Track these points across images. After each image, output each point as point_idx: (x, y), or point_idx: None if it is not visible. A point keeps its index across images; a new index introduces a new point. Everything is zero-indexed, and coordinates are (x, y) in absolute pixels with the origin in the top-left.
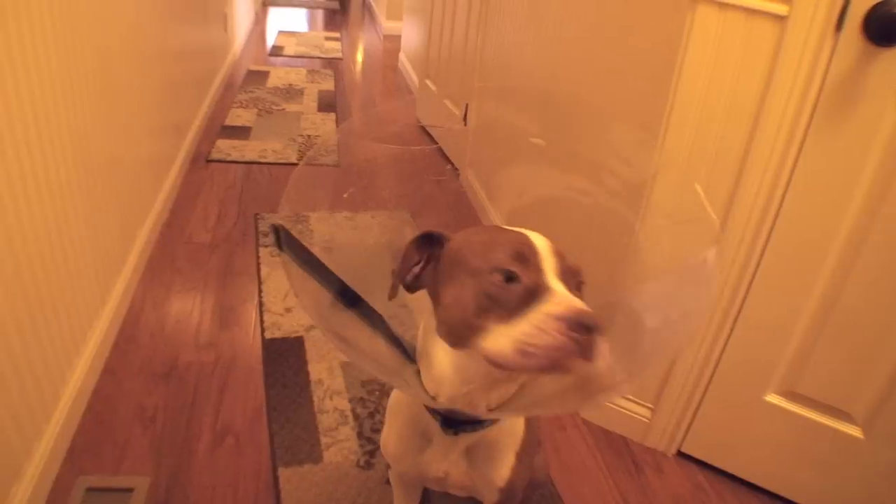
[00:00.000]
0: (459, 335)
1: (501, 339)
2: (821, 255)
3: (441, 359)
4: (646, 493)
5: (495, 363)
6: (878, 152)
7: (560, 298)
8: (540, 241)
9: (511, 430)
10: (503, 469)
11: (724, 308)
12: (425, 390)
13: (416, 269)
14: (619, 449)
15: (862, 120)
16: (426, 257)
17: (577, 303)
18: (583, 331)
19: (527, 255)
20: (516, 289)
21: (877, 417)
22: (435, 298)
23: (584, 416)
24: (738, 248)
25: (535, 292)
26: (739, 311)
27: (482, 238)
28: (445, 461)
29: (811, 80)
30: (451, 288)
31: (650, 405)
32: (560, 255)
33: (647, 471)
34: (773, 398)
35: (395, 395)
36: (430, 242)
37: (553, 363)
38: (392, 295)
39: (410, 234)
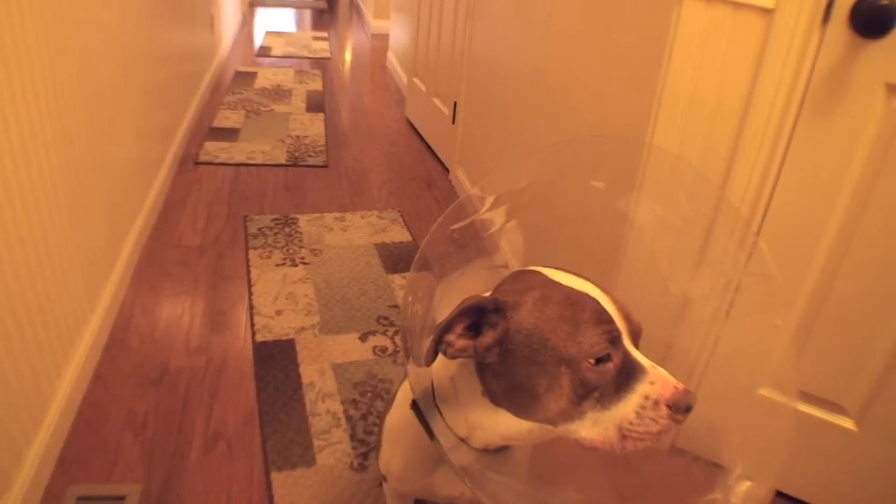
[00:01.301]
0: (549, 421)
1: (601, 426)
2: (811, 249)
3: (492, 420)
4: (640, 487)
5: (593, 449)
6: (866, 144)
7: (656, 378)
8: (608, 304)
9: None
10: None
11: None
12: (453, 432)
13: (482, 342)
14: None
15: (850, 112)
16: (474, 324)
17: (674, 382)
18: (685, 413)
19: (614, 332)
20: (610, 371)
21: (869, 410)
22: (497, 373)
23: None
24: (729, 242)
25: (626, 370)
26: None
27: (558, 312)
28: (461, 483)
29: (799, 73)
30: (539, 377)
31: None
32: (626, 314)
33: (641, 465)
34: (766, 392)
35: (396, 418)
36: (482, 310)
37: (654, 443)
38: (429, 362)
39: (400, 233)
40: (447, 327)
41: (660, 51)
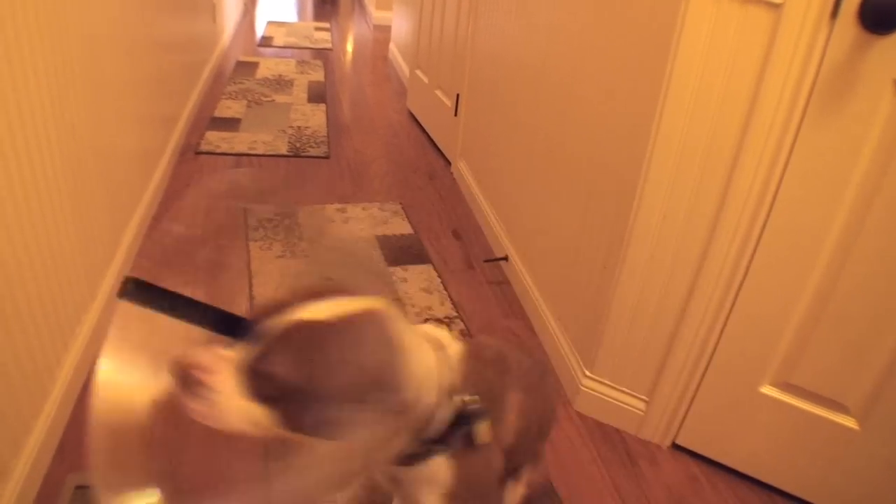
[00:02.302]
0: None
1: None
2: (816, 246)
3: None
4: (640, 485)
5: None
6: (873, 141)
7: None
8: (313, 312)
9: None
10: None
11: (718, 299)
12: None
13: None
14: (613, 441)
15: (857, 108)
16: None
17: (185, 358)
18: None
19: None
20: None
21: (872, 408)
22: None
23: (578, 409)
24: (733, 238)
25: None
26: (734, 302)
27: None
28: None
29: (806, 69)
30: None
31: (645, 397)
32: (272, 349)
33: (641, 463)
34: (768, 390)
35: None
36: None
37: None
38: None
39: (401, 225)
40: None
41: (666, 45)
